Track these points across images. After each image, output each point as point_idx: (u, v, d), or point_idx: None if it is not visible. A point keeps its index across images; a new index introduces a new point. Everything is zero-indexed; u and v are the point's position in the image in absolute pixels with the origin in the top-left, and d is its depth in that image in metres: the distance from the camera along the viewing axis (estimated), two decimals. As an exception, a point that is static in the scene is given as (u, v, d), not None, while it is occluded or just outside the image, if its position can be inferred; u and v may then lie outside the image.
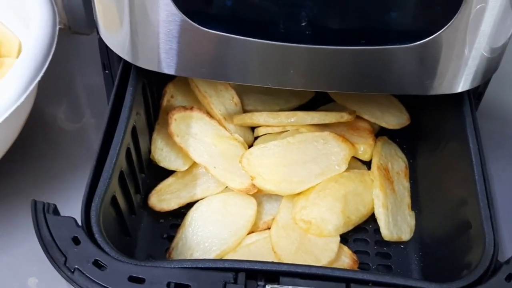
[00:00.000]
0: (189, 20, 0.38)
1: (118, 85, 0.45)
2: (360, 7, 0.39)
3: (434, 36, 0.39)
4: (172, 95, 0.53)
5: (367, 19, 0.40)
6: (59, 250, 0.33)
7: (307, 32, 0.40)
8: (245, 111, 0.55)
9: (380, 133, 0.56)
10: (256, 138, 0.54)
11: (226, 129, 0.52)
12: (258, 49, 0.40)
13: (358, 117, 0.55)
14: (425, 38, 0.40)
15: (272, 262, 0.36)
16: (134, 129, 0.44)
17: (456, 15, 0.39)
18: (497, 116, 0.63)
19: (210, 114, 0.52)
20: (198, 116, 0.51)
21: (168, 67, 0.41)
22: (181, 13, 0.38)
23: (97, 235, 0.35)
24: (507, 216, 0.53)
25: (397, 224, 0.49)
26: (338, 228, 0.47)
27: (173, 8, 0.38)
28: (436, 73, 0.42)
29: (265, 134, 0.54)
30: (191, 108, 0.51)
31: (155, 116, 0.52)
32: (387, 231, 0.48)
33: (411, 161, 0.55)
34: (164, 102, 0.53)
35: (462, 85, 0.43)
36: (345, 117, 0.53)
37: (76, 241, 0.34)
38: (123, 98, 0.44)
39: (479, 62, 0.42)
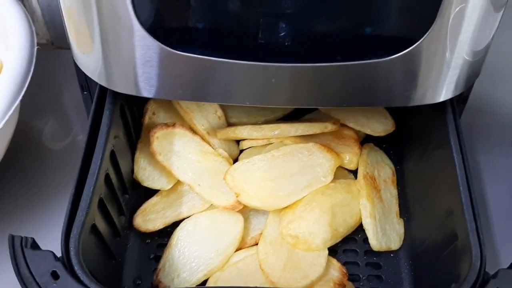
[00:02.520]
0: (162, 45, 0.37)
1: (95, 109, 0.44)
2: (338, 23, 0.39)
3: (414, 47, 0.39)
4: (153, 112, 0.53)
5: (346, 35, 0.39)
6: (38, 286, 0.33)
7: (286, 51, 0.39)
8: (229, 123, 0.55)
9: (366, 139, 0.55)
10: (241, 151, 0.54)
11: (210, 145, 0.51)
12: (237, 69, 0.39)
13: (343, 125, 0.54)
14: (404, 50, 0.39)
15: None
16: (113, 153, 0.44)
17: (433, 24, 0.38)
18: (486, 109, 0.63)
19: (193, 130, 0.52)
20: (181, 132, 0.51)
21: (145, 91, 0.41)
22: (153, 38, 0.37)
23: (76, 268, 0.35)
24: (498, 212, 0.53)
25: (385, 233, 0.49)
26: (326, 241, 0.47)
27: (145, 33, 0.37)
28: (417, 84, 0.41)
29: (250, 147, 0.53)
30: (173, 125, 0.51)
31: (137, 134, 0.52)
32: (375, 242, 0.48)
33: (398, 167, 0.54)
34: (146, 119, 0.52)
35: (444, 94, 0.43)
36: (329, 127, 0.52)
37: (55, 275, 0.34)
38: (101, 121, 0.43)
39: (461, 70, 0.42)
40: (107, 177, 0.42)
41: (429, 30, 0.38)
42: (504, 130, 0.60)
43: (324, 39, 0.39)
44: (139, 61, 0.38)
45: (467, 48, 0.41)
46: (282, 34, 0.38)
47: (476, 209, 0.39)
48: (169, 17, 0.38)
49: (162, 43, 0.37)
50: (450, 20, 0.38)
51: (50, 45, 0.71)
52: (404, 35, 0.39)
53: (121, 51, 0.39)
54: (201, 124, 0.52)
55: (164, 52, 0.38)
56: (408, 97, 0.42)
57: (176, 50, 0.38)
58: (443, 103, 0.45)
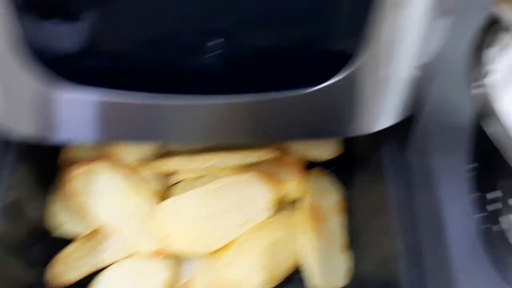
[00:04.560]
0: (56, 80, 0.33)
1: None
2: (256, 52, 0.34)
3: (341, 78, 0.34)
4: (73, 146, 0.48)
5: (267, 64, 0.35)
6: None
7: (197, 84, 0.35)
8: (163, 151, 0.50)
9: (312, 163, 0.51)
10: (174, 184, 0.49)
11: (137, 180, 0.47)
12: (140, 107, 0.34)
13: (285, 151, 0.50)
14: (329, 80, 0.34)
15: None
16: (14, 204, 0.39)
17: (366, 45, 0.34)
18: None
19: (118, 163, 0.47)
20: (102, 168, 0.46)
21: (52, 136, 0.36)
22: (44, 72, 0.32)
23: None
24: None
25: (329, 270, 0.45)
26: (262, 285, 0.42)
27: (35, 74, 0.32)
28: (352, 113, 0.37)
29: (184, 180, 0.49)
30: (93, 161, 0.46)
31: (50, 174, 0.47)
32: (319, 281, 0.43)
33: (346, 193, 0.50)
34: (64, 155, 0.47)
35: (384, 121, 0.38)
36: (269, 154, 0.47)
37: None
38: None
39: (404, 91, 0.37)
40: (11, 230, 0.37)
41: (358, 59, 0.34)
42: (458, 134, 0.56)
43: (242, 72, 0.35)
44: (28, 100, 0.34)
45: (409, 66, 0.36)
46: (192, 67, 0.34)
47: (418, 254, 0.35)
48: (64, 47, 0.33)
49: (56, 78, 0.32)
50: (385, 37, 0.34)
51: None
52: (331, 63, 0.35)
53: (8, 90, 0.34)
54: (127, 156, 0.47)
55: (62, 94, 0.33)
56: (341, 129, 0.37)
57: (77, 90, 0.33)
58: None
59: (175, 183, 0.49)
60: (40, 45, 0.32)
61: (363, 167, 0.49)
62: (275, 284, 0.44)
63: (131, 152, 0.48)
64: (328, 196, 0.49)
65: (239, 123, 0.36)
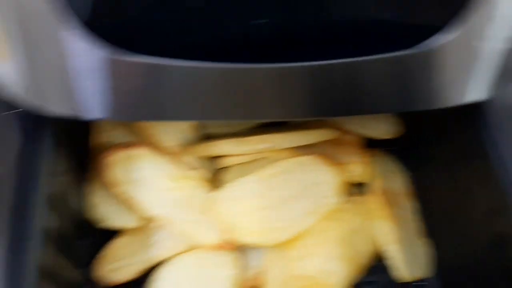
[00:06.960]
0: (111, 49, 0.26)
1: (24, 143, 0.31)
2: (341, 6, 0.28)
3: (444, 41, 0.29)
4: (106, 129, 0.41)
5: (360, 22, 0.29)
6: None
7: (272, 48, 0.29)
8: (205, 135, 0.43)
9: (370, 144, 0.45)
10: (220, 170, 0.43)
11: (183, 165, 0.40)
12: (207, 75, 0.28)
13: (341, 129, 0.44)
14: (428, 42, 0.29)
15: None
16: (53, 198, 0.31)
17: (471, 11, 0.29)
18: None
19: (158, 148, 0.40)
20: (144, 154, 0.39)
21: (91, 111, 0.29)
22: (96, 38, 0.26)
23: None
24: None
25: (412, 259, 0.39)
26: (345, 277, 0.36)
27: (84, 33, 0.26)
28: (443, 83, 0.32)
29: (233, 165, 0.42)
30: (133, 145, 0.39)
31: (86, 160, 0.40)
32: (405, 271, 0.38)
33: (413, 176, 0.45)
34: (96, 139, 0.40)
35: (473, 94, 0.33)
36: (330, 134, 0.42)
37: None
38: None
39: (490, 69, 0.32)
40: (48, 232, 0.30)
41: (466, 12, 0.29)
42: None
43: (321, 31, 0.29)
44: (76, 72, 0.27)
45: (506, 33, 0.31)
46: (266, 26, 0.28)
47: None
48: (116, 11, 0.26)
49: (108, 45, 0.26)
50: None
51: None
52: (428, 25, 0.30)
53: (50, 59, 0.27)
54: (169, 141, 0.41)
55: (115, 59, 0.26)
56: (432, 99, 0.32)
57: (131, 56, 0.26)
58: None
59: (222, 168, 0.42)
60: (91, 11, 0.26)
61: (434, 149, 0.44)
62: (359, 274, 0.38)
63: (171, 135, 0.41)
64: (397, 179, 0.44)
65: (318, 95, 0.31)
